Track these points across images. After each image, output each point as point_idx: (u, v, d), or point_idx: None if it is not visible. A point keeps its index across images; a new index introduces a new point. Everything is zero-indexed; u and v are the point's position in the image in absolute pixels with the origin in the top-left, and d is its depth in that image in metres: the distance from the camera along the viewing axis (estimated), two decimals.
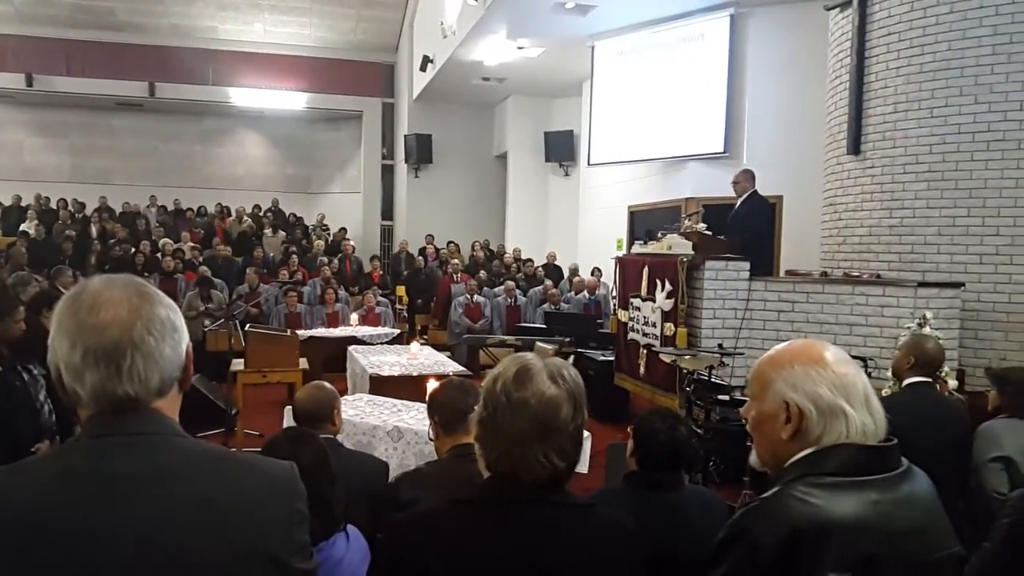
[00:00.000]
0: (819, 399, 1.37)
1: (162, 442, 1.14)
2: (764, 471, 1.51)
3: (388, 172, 17.80)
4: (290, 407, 3.31)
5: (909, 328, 4.92)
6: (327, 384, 3.02)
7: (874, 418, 1.39)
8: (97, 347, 1.12)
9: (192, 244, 12.76)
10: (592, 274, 11.16)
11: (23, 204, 14.82)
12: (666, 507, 2.29)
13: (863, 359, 4.78)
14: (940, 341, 4.06)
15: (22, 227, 13.46)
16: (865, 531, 1.29)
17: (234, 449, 4.55)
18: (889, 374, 3.72)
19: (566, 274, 12.44)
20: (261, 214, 16.02)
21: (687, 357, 5.27)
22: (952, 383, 4.75)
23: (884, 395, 4.05)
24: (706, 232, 6.30)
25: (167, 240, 12.83)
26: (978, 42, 5.84)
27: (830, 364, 1.40)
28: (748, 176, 6.92)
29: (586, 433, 3.50)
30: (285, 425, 3.81)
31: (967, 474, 3.21)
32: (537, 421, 1.37)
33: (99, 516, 1.05)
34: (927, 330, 4.77)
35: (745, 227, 6.61)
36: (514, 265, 12.91)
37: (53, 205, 15.00)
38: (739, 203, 6.92)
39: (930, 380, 3.40)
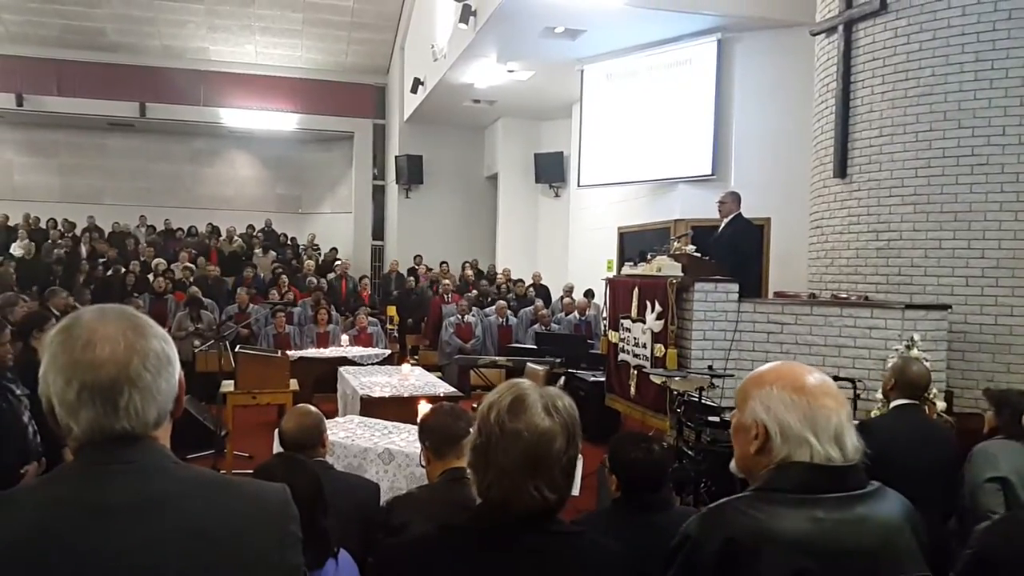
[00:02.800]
0: (787, 427, 1.41)
1: (155, 469, 1.14)
2: (741, 477, 1.56)
3: (379, 193, 17.85)
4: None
5: (897, 350, 4.96)
6: (312, 408, 2.99)
7: (843, 452, 1.40)
8: (93, 385, 1.12)
9: (186, 264, 12.71)
10: (585, 295, 11.19)
11: (11, 224, 14.73)
12: (656, 529, 2.29)
13: (852, 380, 4.82)
14: (927, 363, 4.10)
15: (12, 248, 13.39)
16: (802, 547, 1.31)
17: (224, 472, 4.53)
18: (879, 395, 3.75)
19: (553, 294, 12.47)
20: (252, 234, 16.01)
21: (677, 378, 5.28)
22: (940, 405, 4.78)
23: (871, 416, 4.08)
24: (695, 254, 6.34)
25: (160, 260, 12.78)
26: (960, 68, 5.93)
27: (809, 393, 1.43)
28: (735, 198, 6.98)
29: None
30: (275, 448, 3.79)
31: (954, 496, 3.22)
32: (529, 453, 1.36)
33: (92, 545, 1.05)
34: (915, 352, 4.80)
35: (732, 249, 6.64)
36: (504, 285, 12.92)
37: (43, 225, 14.93)
38: (723, 225, 6.97)
39: (916, 402, 3.42)
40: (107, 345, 1.13)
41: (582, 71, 11.02)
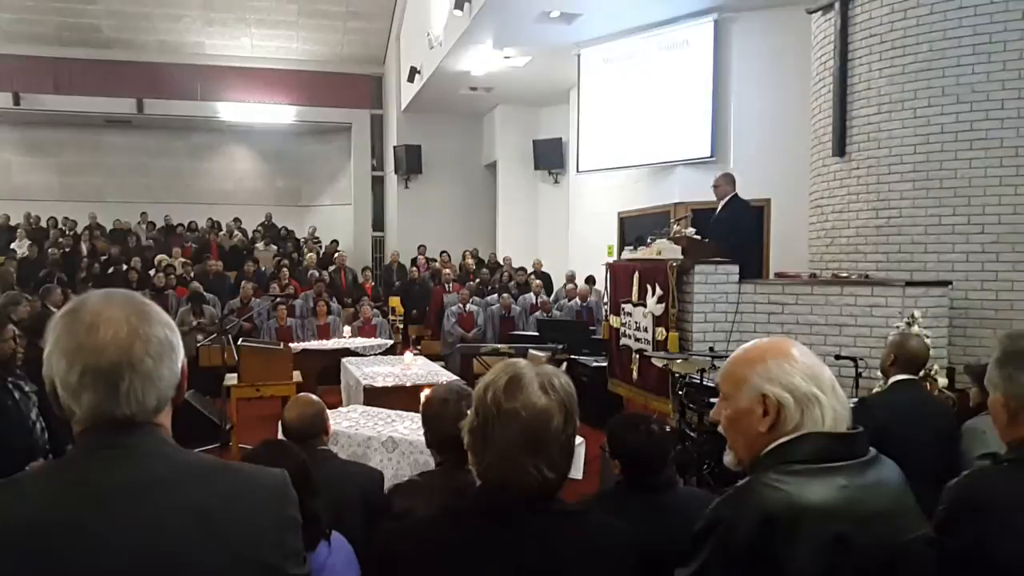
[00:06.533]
0: (795, 389, 1.43)
1: (156, 453, 1.15)
2: (739, 471, 1.54)
3: (378, 183, 17.83)
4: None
5: (898, 327, 4.95)
6: (314, 397, 2.99)
7: (842, 404, 1.46)
8: (95, 368, 1.12)
9: (184, 259, 12.73)
10: (586, 282, 11.19)
11: (12, 224, 14.73)
12: (661, 509, 2.30)
13: (853, 359, 4.83)
14: (928, 339, 4.09)
15: (12, 246, 13.41)
16: (835, 514, 1.35)
17: None
18: (879, 373, 3.75)
19: (554, 280, 12.48)
20: (253, 228, 16.02)
21: (679, 361, 5.29)
22: (942, 381, 4.78)
23: (872, 393, 4.09)
24: (695, 236, 6.33)
25: (162, 256, 12.78)
26: (958, 42, 5.91)
27: (798, 357, 1.48)
28: (728, 180, 6.95)
29: (580, 439, 3.51)
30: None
31: (954, 470, 3.23)
32: (527, 432, 1.36)
33: (94, 527, 1.06)
34: (916, 329, 4.80)
35: (730, 232, 6.63)
36: (506, 273, 12.92)
37: (44, 224, 14.94)
38: (720, 207, 6.95)
39: (915, 378, 3.42)
40: (110, 329, 1.14)
41: (579, 55, 10.96)
